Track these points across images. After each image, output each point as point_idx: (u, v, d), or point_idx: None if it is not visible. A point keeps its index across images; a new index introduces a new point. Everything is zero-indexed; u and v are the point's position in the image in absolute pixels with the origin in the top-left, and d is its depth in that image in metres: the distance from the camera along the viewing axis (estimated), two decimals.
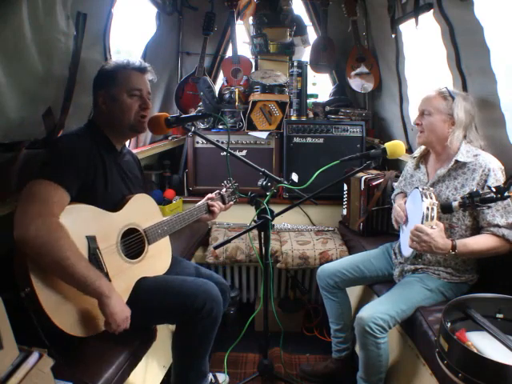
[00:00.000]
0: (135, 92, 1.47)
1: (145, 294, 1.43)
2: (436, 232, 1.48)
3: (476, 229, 1.65)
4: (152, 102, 1.60)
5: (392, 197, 2.12)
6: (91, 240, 1.28)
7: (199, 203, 1.81)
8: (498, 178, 1.56)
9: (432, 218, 1.50)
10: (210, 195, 1.87)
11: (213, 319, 1.47)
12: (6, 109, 1.39)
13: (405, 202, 1.84)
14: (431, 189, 1.63)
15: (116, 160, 1.52)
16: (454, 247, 1.51)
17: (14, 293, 1.10)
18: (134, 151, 2.37)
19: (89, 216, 1.31)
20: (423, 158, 1.87)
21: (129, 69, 1.49)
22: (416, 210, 1.61)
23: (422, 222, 1.50)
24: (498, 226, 1.54)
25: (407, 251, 1.67)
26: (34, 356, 0.92)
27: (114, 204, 1.43)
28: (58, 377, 1.04)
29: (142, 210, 1.52)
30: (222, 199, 1.90)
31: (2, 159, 1.46)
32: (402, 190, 2.00)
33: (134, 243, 1.47)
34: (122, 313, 1.24)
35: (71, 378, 1.12)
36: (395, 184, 2.15)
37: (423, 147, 1.85)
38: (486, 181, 1.57)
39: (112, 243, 1.37)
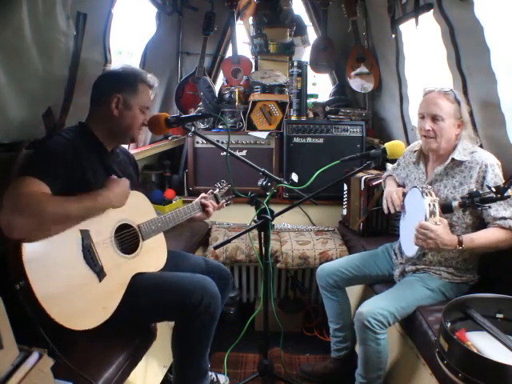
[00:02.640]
0: (145, 110, 1.55)
1: (142, 291, 1.43)
2: (441, 228, 1.47)
3: (477, 227, 1.65)
4: (152, 103, 1.62)
5: (383, 177, 2.13)
6: (85, 233, 1.29)
7: (193, 202, 1.83)
8: (496, 172, 1.56)
9: (435, 214, 1.49)
10: (203, 194, 1.91)
11: (211, 315, 1.48)
12: (6, 109, 1.40)
13: (403, 196, 1.84)
14: (430, 187, 1.62)
15: (105, 160, 1.51)
16: (460, 242, 1.49)
17: (12, 291, 1.09)
18: (134, 151, 2.37)
19: None
20: (423, 155, 1.85)
21: (146, 84, 1.55)
22: (417, 208, 1.60)
23: (425, 219, 1.49)
24: (503, 218, 1.53)
25: (411, 251, 1.63)
26: (34, 356, 0.93)
27: None
28: (57, 377, 1.04)
29: (134, 207, 1.52)
30: (216, 198, 1.94)
31: (2, 159, 1.46)
32: (393, 174, 2.03)
33: (128, 238, 1.48)
34: (123, 196, 1.42)
35: (71, 378, 1.12)
36: (389, 166, 2.16)
37: (421, 142, 1.81)
38: (484, 177, 1.57)
39: (106, 237, 1.37)
